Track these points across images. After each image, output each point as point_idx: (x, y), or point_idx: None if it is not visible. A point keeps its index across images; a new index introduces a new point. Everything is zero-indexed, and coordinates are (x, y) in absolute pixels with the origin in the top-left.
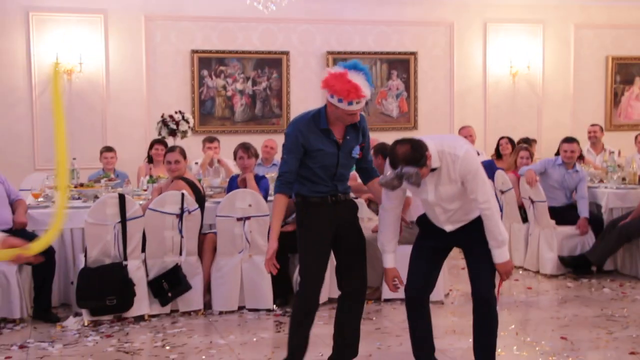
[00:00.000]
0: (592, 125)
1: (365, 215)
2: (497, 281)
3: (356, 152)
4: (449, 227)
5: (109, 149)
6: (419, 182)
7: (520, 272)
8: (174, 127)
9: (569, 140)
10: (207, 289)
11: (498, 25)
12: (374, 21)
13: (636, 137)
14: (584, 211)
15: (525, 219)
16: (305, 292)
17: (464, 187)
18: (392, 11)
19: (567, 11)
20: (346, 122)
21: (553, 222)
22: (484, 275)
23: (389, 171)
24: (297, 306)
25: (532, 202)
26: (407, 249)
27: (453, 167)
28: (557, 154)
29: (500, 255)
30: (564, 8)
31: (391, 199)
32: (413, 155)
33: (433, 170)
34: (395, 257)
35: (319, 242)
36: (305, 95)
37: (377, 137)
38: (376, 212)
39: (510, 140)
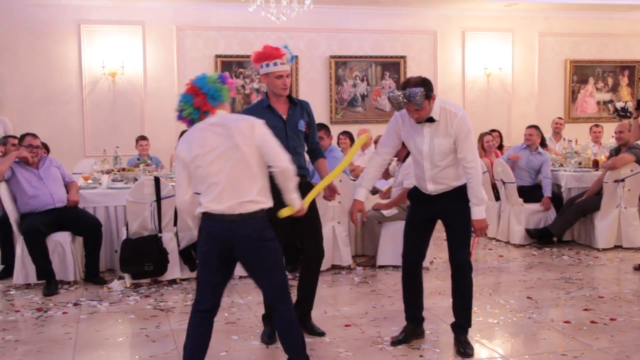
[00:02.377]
0: (559, 118)
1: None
2: (472, 237)
3: (302, 125)
4: (431, 187)
5: (143, 137)
6: (421, 102)
7: (493, 242)
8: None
9: (529, 126)
10: None
11: (474, 33)
12: (370, 30)
13: (590, 128)
14: (547, 191)
15: (497, 198)
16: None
17: (455, 146)
18: (385, 21)
19: (533, 21)
20: (279, 91)
21: (521, 200)
22: (461, 245)
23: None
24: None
25: (504, 183)
26: (401, 224)
27: (451, 122)
28: None
29: (478, 212)
30: (530, 18)
31: (385, 146)
32: (423, 83)
33: (432, 121)
34: (367, 194)
35: (275, 225)
36: (312, 93)
37: (372, 129)
38: (372, 191)
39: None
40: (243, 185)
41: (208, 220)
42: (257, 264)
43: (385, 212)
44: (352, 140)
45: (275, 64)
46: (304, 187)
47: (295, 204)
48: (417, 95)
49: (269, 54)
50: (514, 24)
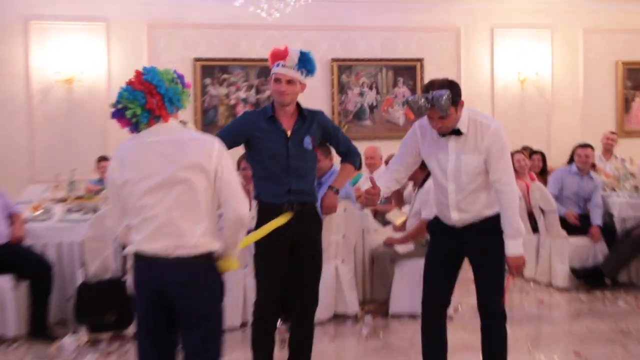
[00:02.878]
0: (612, 132)
1: (371, 226)
2: (506, 278)
3: (307, 143)
4: (455, 216)
5: (105, 158)
6: (447, 107)
7: (532, 284)
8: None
9: (584, 145)
10: None
11: (505, 30)
12: (380, 27)
13: None
14: (596, 218)
15: (535, 229)
16: (258, 309)
17: (487, 165)
18: (397, 17)
19: (576, 15)
20: (276, 97)
21: (564, 232)
22: (492, 289)
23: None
24: (253, 323)
25: (543, 211)
26: (419, 263)
27: (482, 136)
28: (570, 161)
29: (514, 246)
30: (573, 12)
31: (398, 162)
32: (449, 85)
33: (459, 134)
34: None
35: (272, 254)
36: (310, 103)
37: (382, 146)
38: (382, 222)
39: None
40: (185, 223)
41: (139, 261)
42: (189, 316)
43: (400, 249)
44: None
45: (277, 65)
46: (311, 217)
47: (235, 260)
48: (443, 98)
49: (275, 54)
50: (553, 19)
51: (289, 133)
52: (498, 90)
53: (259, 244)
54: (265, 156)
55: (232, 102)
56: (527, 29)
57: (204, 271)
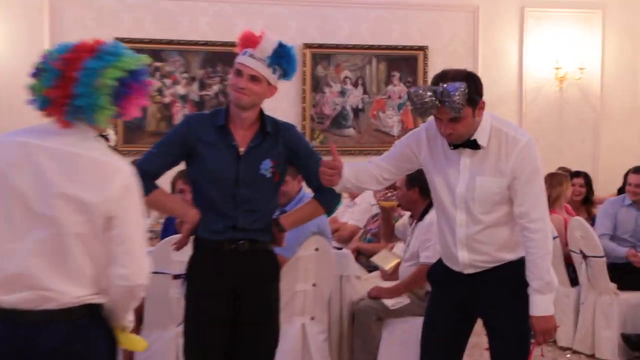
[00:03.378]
0: None
1: (352, 272)
2: (531, 345)
3: (266, 168)
4: (464, 256)
5: None
6: (461, 107)
7: (569, 355)
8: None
9: (638, 170)
10: None
11: (540, 11)
12: (369, 3)
13: None
14: None
15: (574, 282)
16: None
17: (511, 193)
18: None
19: None
20: (233, 96)
21: (614, 285)
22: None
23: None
24: None
25: (585, 257)
26: (416, 323)
27: (507, 153)
28: (621, 190)
29: (541, 304)
30: None
31: (386, 160)
32: (467, 77)
33: (476, 147)
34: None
35: (206, 307)
36: (274, 103)
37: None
38: (367, 267)
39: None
40: (56, 267)
41: None
42: None
43: (389, 303)
44: None
45: (243, 54)
46: (268, 263)
47: (139, 339)
48: (457, 93)
49: (245, 39)
50: None
51: (242, 150)
52: (528, 92)
53: (189, 292)
54: (207, 179)
55: (167, 99)
56: (570, 9)
57: (85, 333)
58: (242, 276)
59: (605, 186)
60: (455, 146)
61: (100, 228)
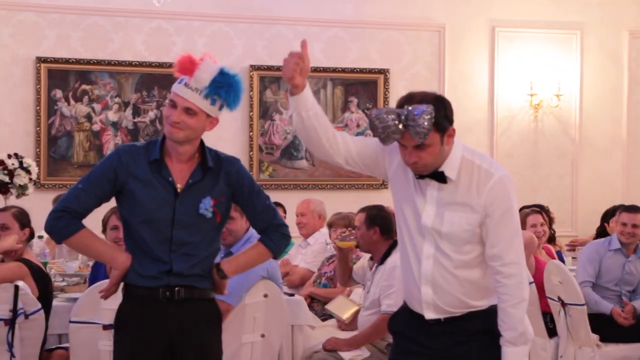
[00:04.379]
0: None
1: (304, 321)
2: None
3: (205, 207)
4: (427, 295)
5: None
6: (427, 132)
7: None
8: (6, 179)
9: (631, 209)
10: None
11: (512, 31)
12: (324, 21)
13: None
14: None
15: (552, 332)
16: None
17: (483, 232)
18: (351, 8)
19: (617, 11)
20: (166, 130)
21: (596, 337)
22: None
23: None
24: None
25: (564, 304)
26: None
27: (478, 187)
28: (601, 232)
29: (513, 358)
30: (613, 5)
31: (354, 141)
32: (436, 101)
33: (443, 181)
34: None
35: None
36: (215, 131)
37: (328, 199)
38: (321, 315)
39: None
40: None
41: None
42: None
43: (347, 356)
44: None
45: (179, 82)
46: (208, 312)
47: None
48: (423, 117)
49: (181, 65)
50: (584, 17)
51: (179, 187)
52: (500, 121)
53: (119, 345)
54: (139, 219)
55: (97, 127)
56: (545, 29)
57: None
58: (178, 327)
59: (587, 226)
60: (421, 176)
61: None
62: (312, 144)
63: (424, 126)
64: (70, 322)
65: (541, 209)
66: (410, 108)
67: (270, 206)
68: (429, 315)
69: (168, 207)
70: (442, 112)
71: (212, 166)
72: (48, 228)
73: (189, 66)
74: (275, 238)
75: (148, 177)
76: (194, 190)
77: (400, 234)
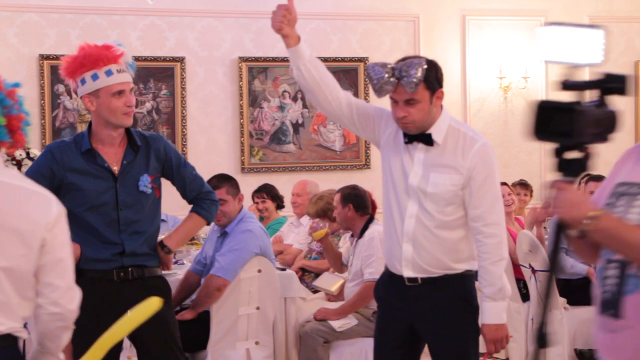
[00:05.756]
0: None
1: (296, 293)
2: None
3: (145, 183)
4: (407, 252)
5: None
6: (418, 84)
7: None
8: (15, 169)
9: (596, 178)
10: None
11: (481, 19)
12: (307, 14)
13: None
14: None
15: (525, 297)
16: None
17: (466, 195)
18: (332, 2)
19: None
20: (121, 119)
21: (563, 300)
22: None
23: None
24: None
25: (534, 271)
26: (365, 344)
27: (464, 151)
28: None
29: (492, 312)
30: None
31: (357, 101)
32: (428, 62)
33: (429, 143)
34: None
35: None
36: (208, 119)
37: (314, 179)
38: (311, 288)
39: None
40: None
41: None
42: None
43: (336, 324)
44: (278, 202)
45: (108, 73)
46: (160, 289)
47: None
48: (415, 67)
49: (95, 57)
50: (547, 4)
51: (116, 171)
52: (472, 103)
53: (78, 328)
54: (85, 208)
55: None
56: (513, 17)
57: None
58: (134, 305)
59: None
60: (409, 140)
61: (34, 257)
62: (316, 98)
63: (415, 76)
64: None
65: (525, 185)
66: (403, 62)
67: (197, 176)
68: (407, 273)
69: (110, 191)
70: (433, 72)
71: (140, 145)
72: None
73: (107, 53)
74: (206, 206)
75: (84, 167)
76: (130, 170)
77: (386, 195)
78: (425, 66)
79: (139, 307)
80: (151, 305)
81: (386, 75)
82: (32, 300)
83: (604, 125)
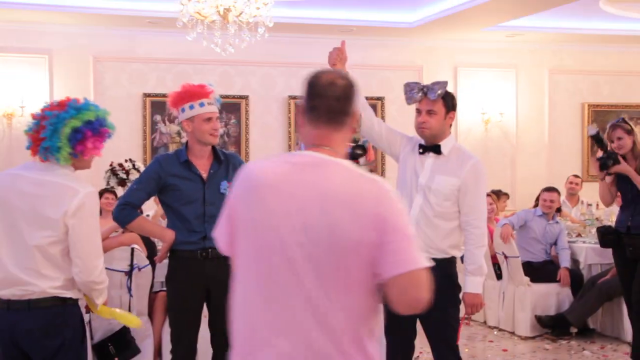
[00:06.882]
0: (574, 176)
1: None
2: (460, 319)
3: (224, 187)
4: None
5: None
6: (438, 98)
7: (495, 332)
8: (124, 176)
9: (550, 189)
10: (158, 353)
11: (469, 69)
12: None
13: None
14: (564, 261)
15: (499, 276)
16: (175, 356)
17: (460, 197)
18: (358, 54)
19: (542, 55)
20: (208, 138)
21: (527, 279)
22: (445, 347)
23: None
24: None
25: (506, 257)
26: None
27: (462, 162)
28: (536, 205)
29: (473, 284)
30: (538, 52)
31: (386, 126)
32: (448, 90)
33: (438, 152)
34: None
35: (185, 301)
36: (265, 142)
37: None
38: None
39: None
40: (35, 268)
41: None
42: None
43: None
44: None
45: (201, 105)
46: (226, 262)
47: (131, 317)
48: (439, 87)
49: (192, 93)
50: (518, 59)
51: (204, 177)
52: (462, 131)
53: (170, 292)
54: (181, 203)
55: (185, 139)
56: (492, 68)
57: (60, 320)
58: (212, 278)
59: (522, 204)
60: (423, 150)
61: (61, 238)
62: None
63: (439, 91)
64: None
65: (499, 193)
66: (431, 83)
67: None
68: None
69: (200, 191)
70: (450, 97)
71: (223, 159)
72: (115, 217)
73: (201, 90)
74: None
75: (182, 173)
76: (215, 177)
77: (400, 190)
78: (447, 89)
79: (126, 319)
80: (132, 322)
81: (416, 90)
82: (67, 270)
83: None
